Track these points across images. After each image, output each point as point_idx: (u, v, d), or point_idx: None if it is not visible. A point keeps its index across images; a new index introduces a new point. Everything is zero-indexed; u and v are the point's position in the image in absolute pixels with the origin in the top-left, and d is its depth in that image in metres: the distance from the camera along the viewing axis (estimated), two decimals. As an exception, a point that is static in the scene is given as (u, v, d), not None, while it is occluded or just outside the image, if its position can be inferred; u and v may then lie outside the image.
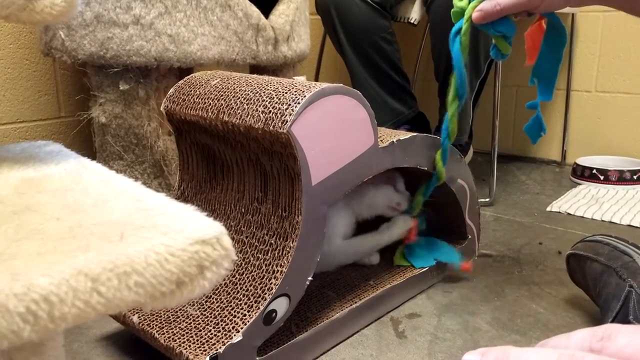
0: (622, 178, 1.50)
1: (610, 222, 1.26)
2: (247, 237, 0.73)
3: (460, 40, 0.79)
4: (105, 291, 0.29)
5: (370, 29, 1.39)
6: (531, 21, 0.83)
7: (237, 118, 0.69)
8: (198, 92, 0.77)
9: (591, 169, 1.54)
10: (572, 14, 1.67)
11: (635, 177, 1.50)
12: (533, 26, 0.83)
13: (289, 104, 0.65)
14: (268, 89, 0.69)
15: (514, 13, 0.74)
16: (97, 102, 1.07)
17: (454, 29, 0.79)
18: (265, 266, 0.69)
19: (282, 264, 0.67)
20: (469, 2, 0.76)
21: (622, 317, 0.71)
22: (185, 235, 0.32)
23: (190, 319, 0.69)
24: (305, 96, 0.65)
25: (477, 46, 1.28)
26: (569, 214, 1.32)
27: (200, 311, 0.70)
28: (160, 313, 0.72)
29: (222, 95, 0.73)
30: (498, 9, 0.72)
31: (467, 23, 0.76)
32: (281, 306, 0.67)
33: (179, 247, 0.32)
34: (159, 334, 0.68)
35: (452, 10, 0.79)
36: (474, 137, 1.63)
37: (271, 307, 0.66)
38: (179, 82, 0.82)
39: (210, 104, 0.73)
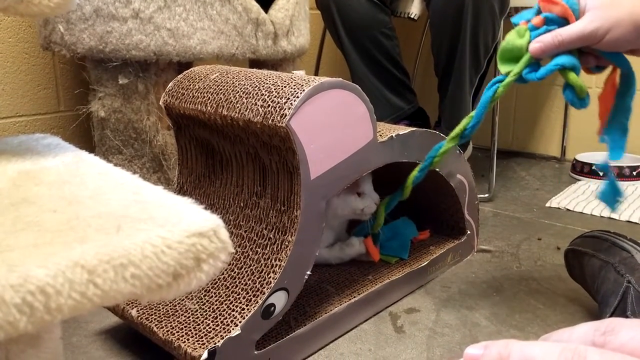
0: (622, 174, 1.50)
1: (610, 218, 1.26)
2: (245, 232, 0.73)
3: (495, 89, 0.72)
4: (102, 283, 0.29)
5: (370, 24, 1.38)
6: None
7: (236, 112, 0.69)
8: (197, 87, 0.76)
9: (590, 165, 1.54)
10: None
11: (634, 173, 1.50)
12: (606, 87, 0.73)
13: (288, 98, 0.65)
14: (267, 83, 0.69)
15: (575, 47, 0.67)
16: (97, 96, 1.07)
17: (495, 79, 0.73)
18: (264, 260, 0.69)
19: (281, 258, 0.67)
20: (529, 43, 0.69)
21: (620, 313, 0.71)
22: (182, 227, 0.32)
23: (188, 313, 0.69)
24: (304, 90, 0.65)
25: (477, 42, 1.28)
26: (568, 209, 1.32)
27: (198, 305, 0.70)
28: (159, 307, 0.72)
29: (221, 90, 0.73)
30: (559, 39, 0.66)
31: (513, 78, 0.70)
32: (280, 300, 0.67)
33: (176, 240, 0.32)
34: (157, 328, 0.68)
35: (503, 46, 0.72)
36: (477, 135, 1.63)
37: (270, 301, 0.66)
38: (178, 77, 0.81)
39: (209, 98, 0.73)
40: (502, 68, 0.72)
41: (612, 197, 0.75)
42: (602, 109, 0.74)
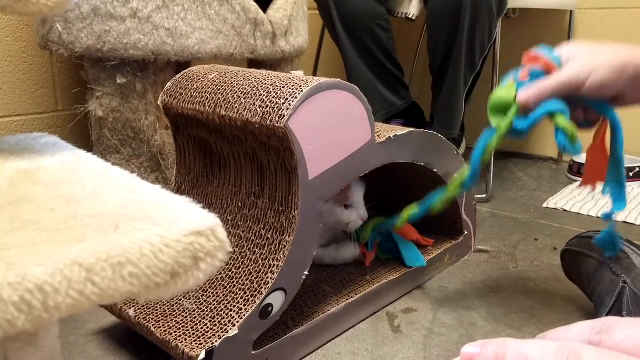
0: (619, 175, 1.50)
1: (606, 219, 1.26)
2: (243, 232, 0.73)
3: (488, 141, 0.71)
4: (100, 281, 0.29)
5: (366, 15, 1.38)
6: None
7: (234, 112, 0.69)
8: (195, 86, 0.76)
9: (588, 166, 1.54)
10: (570, 11, 1.67)
11: (631, 174, 1.50)
12: (595, 141, 0.75)
13: (286, 99, 0.65)
14: (265, 83, 0.69)
15: (560, 94, 0.68)
16: (95, 96, 1.07)
17: (486, 131, 0.72)
18: (262, 260, 0.69)
19: (279, 258, 0.67)
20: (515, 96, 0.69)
21: (616, 313, 0.71)
22: (180, 226, 0.32)
23: (186, 313, 0.69)
24: (302, 90, 0.65)
25: (474, 41, 1.28)
26: (565, 210, 1.32)
27: (196, 305, 0.70)
28: (157, 307, 0.72)
29: (219, 89, 0.73)
30: (543, 86, 0.67)
31: (505, 129, 0.70)
32: (277, 300, 0.67)
33: (174, 239, 0.32)
34: (155, 328, 0.68)
35: (492, 101, 0.72)
36: (471, 134, 1.63)
37: (267, 301, 0.66)
38: (177, 76, 0.81)
39: (207, 98, 0.73)
40: (493, 121, 0.72)
41: (611, 245, 0.77)
42: (590, 162, 0.76)
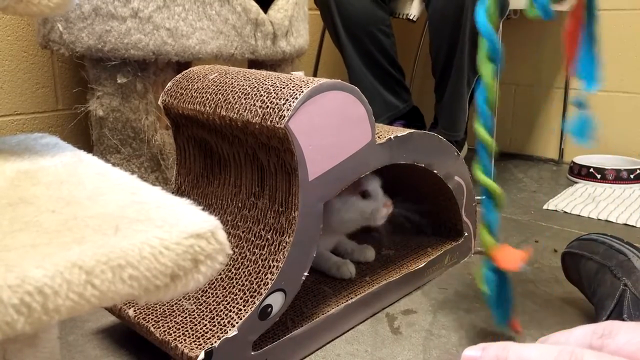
0: (619, 177, 1.50)
1: (607, 220, 1.26)
2: (243, 232, 0.73)
3: (486, 6, 0.69)
4: (99, 284, 0.29)
5: (369, 21, 1.38)
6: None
7: (234, 113, 0.69)
8: (196, 87, 0.76)
9: (588, 167, 1.54)
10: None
11: (632, 176, 1.50)
12: (570, 22, 0.71)
13: (287, 99, 0.65)
14: (266, 84, 0.69)
15: None
16: (95, 95, 1.07)
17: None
18: (262, 261, 0.69)
19: (278, 259, 0.67)
20: None
21: (616, 316, 0.71)
22: (180, 228, 0.32)
23: (185, 313, 0.69)
24: (303, 91, 0.65)
25: (476, 42, 1.28)
26: (565, 212, 1.32)
27: (195, 305, 0.70)
28: (156, 307, 0.72)
29: (220, 90, 0.73)
30: None
31: None
32: (277, 301, 0.67)
33: (174, 241, 0.32)
34: (154, 328, 0.68)
35: None
36: (471, 135, 1.63)
37: (267, 302, 0.66)
38: (177, 76, 0.81)
39: (208, 98, 0.73)
40: None
41: (583, 130, 0.74)
42: (568, 43, 0.72)
